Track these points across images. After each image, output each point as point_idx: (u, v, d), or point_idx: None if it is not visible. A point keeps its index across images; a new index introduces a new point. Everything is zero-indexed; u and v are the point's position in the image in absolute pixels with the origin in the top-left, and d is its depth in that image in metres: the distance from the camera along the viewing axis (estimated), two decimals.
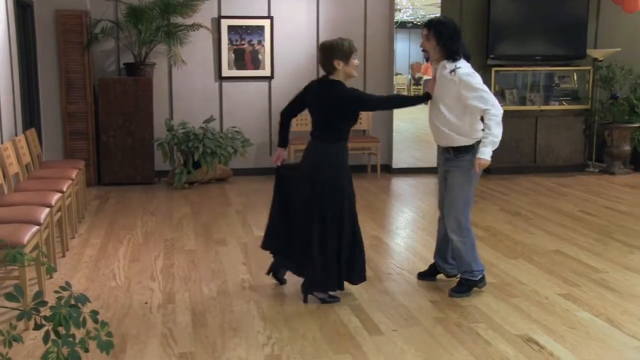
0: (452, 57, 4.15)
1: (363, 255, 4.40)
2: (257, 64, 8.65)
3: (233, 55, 8.57)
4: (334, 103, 4.15)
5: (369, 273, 4.84)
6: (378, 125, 8.96)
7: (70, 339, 2.34)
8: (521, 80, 9.37)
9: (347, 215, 4.24)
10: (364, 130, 8.91)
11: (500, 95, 8.89)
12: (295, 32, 8.71)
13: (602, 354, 3.56)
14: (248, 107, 8.72)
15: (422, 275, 4.76)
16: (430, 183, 8.25)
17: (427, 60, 4.23)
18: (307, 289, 4.29)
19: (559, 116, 9.13)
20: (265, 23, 8.58)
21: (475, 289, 4.45)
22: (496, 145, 4.14)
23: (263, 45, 8.61)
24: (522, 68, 9.16)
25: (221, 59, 8.55)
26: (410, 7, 9.90)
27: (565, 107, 9.22)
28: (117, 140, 7.99)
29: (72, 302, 2.39)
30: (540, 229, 6.13)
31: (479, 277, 4.44)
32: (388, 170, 8.99)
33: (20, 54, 6.80)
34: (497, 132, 4.10)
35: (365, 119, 8.82)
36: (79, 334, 2.40)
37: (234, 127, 8.35)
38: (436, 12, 9.11)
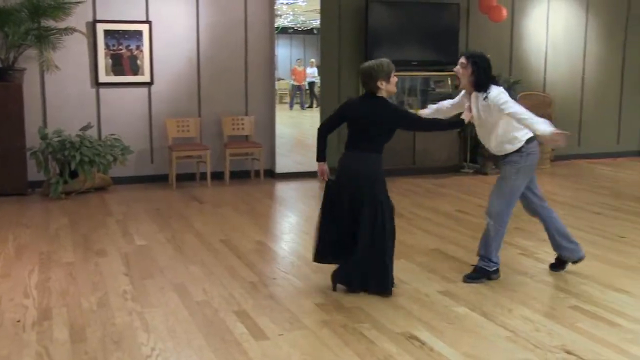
0: (480, 89, 4.61)
1: (385, 267, 4.46)
2: (135, 69, 8.43)
3: (110, 60, 8.30)
4: (383, 119, 4.42)
5: (253, 278, 4.85)
6: (261, 131, 8.97)
7: None
8: (399, 85, 9.61)
9: (380, 223, 4.39)
10: (246, 136, 8.88)
11: None
12: (174, 37, 8.56)
13: (477, 345, 3.74)
14: (127, 113, 8.47)
15: (554, 267, 5.07)
16: (313, 187, 8.35)
17: (457, 87, 4.72)
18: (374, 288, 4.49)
19: None
20: (144, 28, 8.38)
21: (485, 280, 4.78)
22: (543, 123, 4.39)
23: (142, 51, 8.40)
24: (399, 73, 9.36)
25: (97, 64, 8.25)
26: (291, 12, 10.00)
27: None
28: None
29: None
30: (420, 228, 6.35)
31: (493, 269, 4.81)
32: (271, 175, 9.00)
33: None
34: (533, 115, 4.45)
35: (248, 125, 8.81)
36: None
37: (112, 135, 8.10)
38: (316, 19, 9.26)
